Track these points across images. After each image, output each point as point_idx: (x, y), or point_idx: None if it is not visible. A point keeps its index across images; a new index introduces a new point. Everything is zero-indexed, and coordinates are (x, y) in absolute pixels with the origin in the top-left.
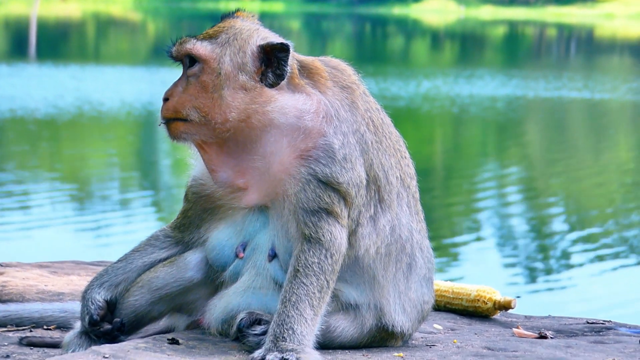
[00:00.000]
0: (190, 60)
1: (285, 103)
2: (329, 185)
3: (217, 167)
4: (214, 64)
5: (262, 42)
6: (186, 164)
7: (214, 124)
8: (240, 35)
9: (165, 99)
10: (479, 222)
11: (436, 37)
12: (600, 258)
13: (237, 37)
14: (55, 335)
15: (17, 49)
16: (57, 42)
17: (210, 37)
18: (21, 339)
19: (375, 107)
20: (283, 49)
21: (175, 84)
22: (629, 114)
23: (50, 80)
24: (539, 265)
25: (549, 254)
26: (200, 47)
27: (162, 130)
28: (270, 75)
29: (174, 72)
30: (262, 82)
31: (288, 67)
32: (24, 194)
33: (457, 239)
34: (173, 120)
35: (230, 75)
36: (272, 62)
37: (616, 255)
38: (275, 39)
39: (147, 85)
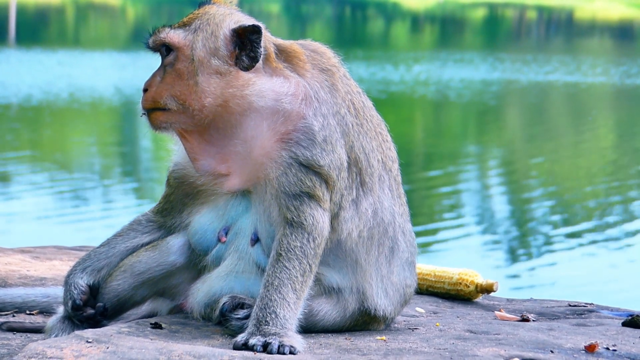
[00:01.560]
0: (166, 50)
1: (263, 86)
2: (310, 168)
3: (199, 156)
4: (187, 51)
5: (234, 26)
6: (167, 149)
7: (192, 111)
8: (213, 20)
9: (145, 90)
10: (460, 205)
11: (416, 20)
12: (581, 240)
13: (209, 22)
14: (37, 320)
15: None
16: (36, 28)
17: (184, 25)
18: (1, 324)
19: (356, 90)
20: (255, 30)
21: (154, 75)
22: (609, 96)
23: (29, 65)
24: (520, 248)
25: (530, 236)
26: (174, 35)
27: (143, 121)
28: (244, 59)
29: (154, 58)
30: (237, 65)
31: (261, 49)
32: (3, 179)
33: (438, 223)
34: (153, 111)
35: (204, 61)
36: (245, 45)
37: (596, 238)
38: (248, 21)
39: (126, 71)
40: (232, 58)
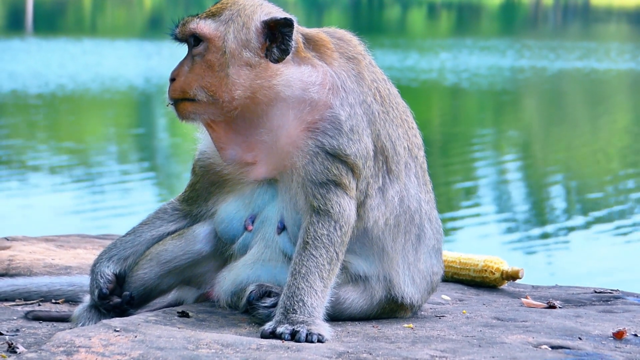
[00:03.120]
0: (194, 40)
1: (291, 76)
2: (337, 157)
3: (226, 145)
4: (218, 42)
5: (266, 18)
6: (190, 138)
7: (222, 103)
8: (243, 11)
9: (172, 79)
10: (478, 193)
11: (432, 7)
12: (601, 226)
13: (240, 14)
14: (63, 308)
15: (14, 23)
16: (53, 16)
17: (214, 15)
18: (27, 313)
19: (381, 78)
20: (287, 23)
21: (181, 64)
22: (626, 82)
23: (47, 54)
24: (542, 235)
25: (550, 223)
26: (204, 26)
27: (170, 111)
28: (275, 51)
29: (172, 46)
30: (267, 57)
31: (293, 42)
32: (23, 168)
33: (456, 211)
34: (181, 101)
35: (235, 53)
36: (276, 37)
37: (616, 224)
38: (279, 14)
39: (144, 59)
40: (263, 50)
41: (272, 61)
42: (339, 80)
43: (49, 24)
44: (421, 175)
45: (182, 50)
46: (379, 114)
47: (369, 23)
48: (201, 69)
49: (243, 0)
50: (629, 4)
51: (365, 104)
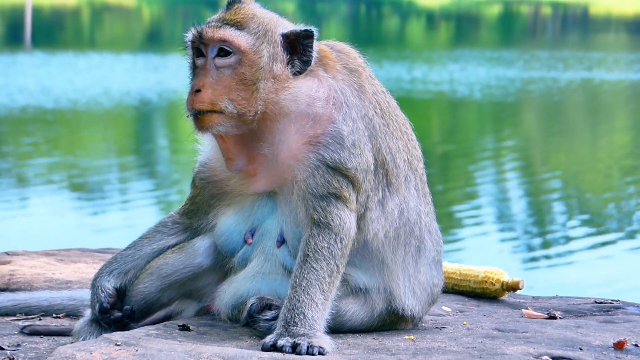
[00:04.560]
0: (222, 50)
1: (299, 90)
2: (338, 170)
3: (234, 156)
4: (254, 57)
5: (286, 31)
6: (188, 150)
7: (246, 116)
8: (268, 24)
9: (197, 90)
10: (478, 204)
11: (431, 18)
12: (602, 237)
13: (265, 27)
14: (64, 323)
15: (13, 37)
16: (52, 30)
17: (240, 26)
18: (23, 327)
19: (381, 90)
20: (308, 35)
21: (204, 75)
22: (626, 91)
23: (46, 68)
24: (542, 245)
25: (550, 234)
26: (240, 39)
27: (189, 122)
28: (297, 63)
29: (172, 59)
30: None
31: (315, 53)
32: (22, 182)
33: (459, 222)
34: (207, 113)
35: (267, 67)
36: (297, 50)
37: (617, 234)
38: (295, 26)
39: (143, 72)
40: (285, 63)
41: (292, 74)
42: (342, 95)
43: (48, 37)
44: (421, 188)
45: (183, 62)
46: (379, 127)
47: (367, 34)
48: (231, 82)
49: (259, 12)
50: (627, 13)
51: (367, 117)
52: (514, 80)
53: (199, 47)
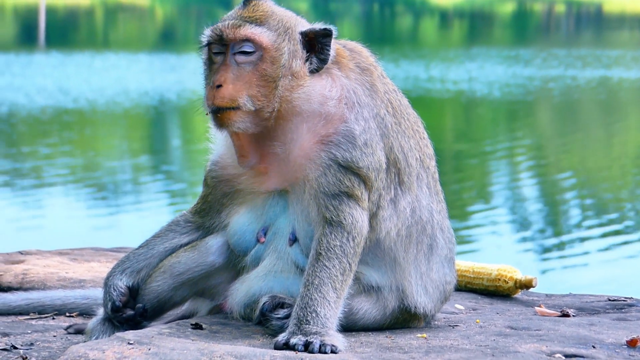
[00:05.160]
0: (243, 47)
1: (313, 89)
2: (350, 169)
3: (247, 154)
4: (275, 54)
5: (305, 29)
6: (199, 149)
7: (264, 113)
8: (287, 22)
9: (218, 86)
10: (493, 202)
11: (445, 17)
12: (616, 233)
13: (285, 25)
14: (78, 322)
15: (27, 37)
16: (66, 30)
17: (260, 23)
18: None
19: (392, 89)
20: (327, 33)
21: (224, 70)
22: (637, 89)
23: (60, 68)
24: (556, 244)
25: (564, 232)
26: (263, 35)
27: (206, 119)
28: (314, 61)
29: (187, 58)
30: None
31: (332, 52)
32: (38, 181)
33: (471, 220)
34: (227, 109)
35: (287, 65)
36: (315, 48)
37: (630, 232)
38: (313, 24)
39: (160, 72)
40: (304, 61)
41: (309, 72)
42: (355, 95)
43: (62, 37)
44: (433, 186)
45: (196, 62)
46: (391, 126)
47: (381, 33)
48: (251, 78)
49: (276, 9)
50: None
51: (379, 117)
52: (530, 79)
53: (217, 45)
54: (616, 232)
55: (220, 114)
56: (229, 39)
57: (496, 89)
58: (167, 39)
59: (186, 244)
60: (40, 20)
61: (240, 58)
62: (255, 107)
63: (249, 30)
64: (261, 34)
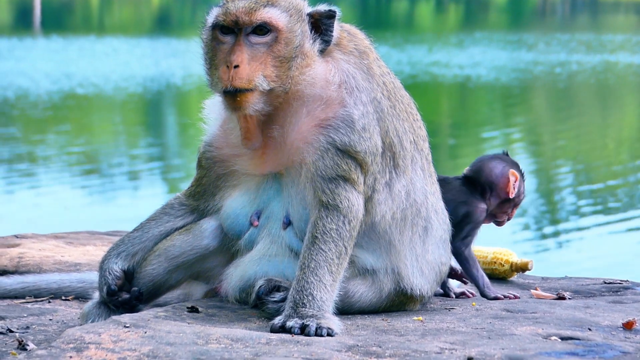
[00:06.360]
0: (258, 28)
1: (317, 72)
2: (347, 153)
3: (253, 136)
4: (289, 35)
5: (311, 10)
6: (192, 132)
7: (276, 93)
8: (297, 3)
9: (236, 66)
10: None
11: (440, 1)
12: (609, 216)
13: (296, 6)
14: (73, 305)
15: (22, 22)
16: (61, 15)
17: (273, 4)
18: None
19: (387, 71)
20: (331, 15)
21: (240, 51)
22: (634, 73)
23: (56, 53)
24: (552, 227)
25: (560, 215)
26: (278, 17)
27: (224, 101)
28: (319, 42)
29: (180, 43)
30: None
31: (335, 33)
32: (34, 165)
33: None
34: (245, 91)
35: (299, 45)
36: (319, 29)
37: (625, 215)
38: (317, 7)
39: (151, 56)
40: (312, 42)
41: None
42: (354, 79)
43: (57, 22)
44: (427, 168)
45: (194, 47)
46: (387, 109)
47: (376, 17)
48: (266, 59)
49: None
50: None
51: (376, 100)
52: (523, 63)
53: (226, 26)
54: (610, 214)
55: (238, 96)
56: (245, 23)
57: (489, 73)
58: (163, 24)
59: (181, 227)
60: (36, 4)
61: (255, 39)
62: (270, 87)
63: (266, 14)
64: (277, 17)
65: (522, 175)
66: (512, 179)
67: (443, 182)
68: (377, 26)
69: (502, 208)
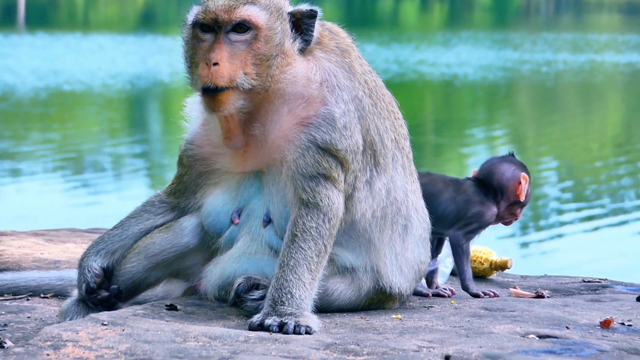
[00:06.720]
0: (238, 26)
1: (298, 70)
2: (328, 151)
3: (234, 135)
4: (269, 33)
5: (291, 9)
6: (177, 130)
7: (256, 92)
8: (277, 2)
9: (215, 64)
10: None
11: None
12: (591, 217)
13: (276, 5)
14: (52, 303)
15: (6, 18)
16: (45, 11)
17: (253, 2)
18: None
19: (368, 70)
20: (312, 15)
21: (220, 48)
22: (618, 72)
23: (41, 49)
24: (533, 226)
25: (541, 214)
26: (258, 15)
27: (203, 101)
28: (299, 42)
29: (164, 40)
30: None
31: (316, 33)
32: (16, 162)
33: None
34: (224, 89)
35: (279, 43)
36: (300, 29)
37: (606, 214)
38: (298, 6)
39: (136, 53)
40: (292, 40)
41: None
42: (335, 77)
43: (42, 19)
44: (407, 166)
45: (180, 44)
46: (368, 107)
47: (362, 15)
48: (246, 57)
49: None
50: None
51: (357, 99)
52: (507, 61)
53: (206, 24)
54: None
55: (217, 95)
56: (224, 21)
57: (473, 71)
58: (148, 21)
59: (161, 225)
60: (20, 0)
61: (234, 37)
62: (250, 85)
63: (245, 12)
64: (257, 15)
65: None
66: (523, 182)
67: (456, 183)
68: (362, 24)
69: (511, 210)
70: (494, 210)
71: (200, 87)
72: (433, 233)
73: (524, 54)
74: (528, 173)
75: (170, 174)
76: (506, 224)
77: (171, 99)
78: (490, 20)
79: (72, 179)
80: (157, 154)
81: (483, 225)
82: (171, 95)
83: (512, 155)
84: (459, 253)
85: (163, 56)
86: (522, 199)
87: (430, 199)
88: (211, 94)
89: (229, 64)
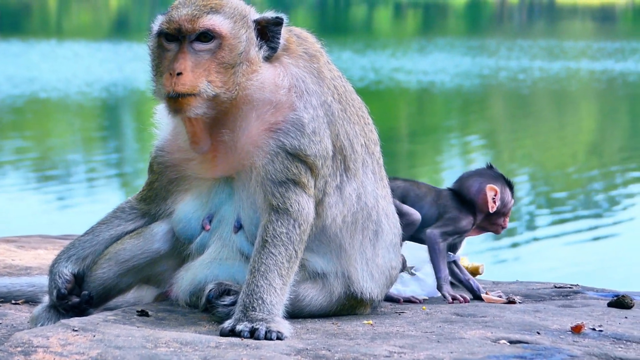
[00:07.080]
0: (204, 36)
1: (265, 77)
2: (297, 157)
3: (200, 140)
4: (234, 41)
5: (257, 17)
6: (149, 137)
7: (221, 99)
8: (242, 10)
9: (179, 73)
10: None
11: (399, 6)
12: (563, 221)
13: (241, 13)
14: (23, 309)
15: None
16: (18, 17)
17: (216, 11)
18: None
19: (338, 75)
20: (278, 22)
21: (183, 58)
22: (594, 79)
23: (16, 57)
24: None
25: (514, 220)
26: (221, 24)
27: (166, 105)
28: (265, 48)
29: (138, 47)
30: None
31: (282, 41)
32: None
33: None
34: (186, 96)
35: (244, 52)
36: (266, 36)
37: (578, 220)
38: (265, 13)
39: (110, 61)
40: (258, 48)
41: (263, 59)
42: (304, 83)
43: (14, 25)
44: (378, 171)
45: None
46: (338, 112)
47: (335, 22)
48: (210, 65)
49: None
50: (593, 2)
51: (326, 104)
52: (481, 68)
53: (170, 33)
54: (563, 221)
55: (178, 100)
56: (188, 31)
57: (447, 79)
58: (122, 27)
59: (132, 231)
60: None
61: (199, 46)
62: (214, 93)
63: (208, 21)
64: (220, 24)
65: (508, 184)
66: (489, 194)
67: (437, 191)
68: (336, 31)
69: (491, 220)
70: (470, 219)
71: (164, 96)
72: (418, 240)
73: (500, 60)
74: (508, 183)
75: (143, 181)
76: (495, 232)
77: (147, 107)
78: (464, 27)
79: (45, 186)
80: (131, 161)
81: (459, 231)
82: (147, 102)
83: (489, 167)
84: (435, 251)
85: (138, 63)
86: (492, 210)
87: (414, 200)
88: (173, 99)
89: (192, 73)
